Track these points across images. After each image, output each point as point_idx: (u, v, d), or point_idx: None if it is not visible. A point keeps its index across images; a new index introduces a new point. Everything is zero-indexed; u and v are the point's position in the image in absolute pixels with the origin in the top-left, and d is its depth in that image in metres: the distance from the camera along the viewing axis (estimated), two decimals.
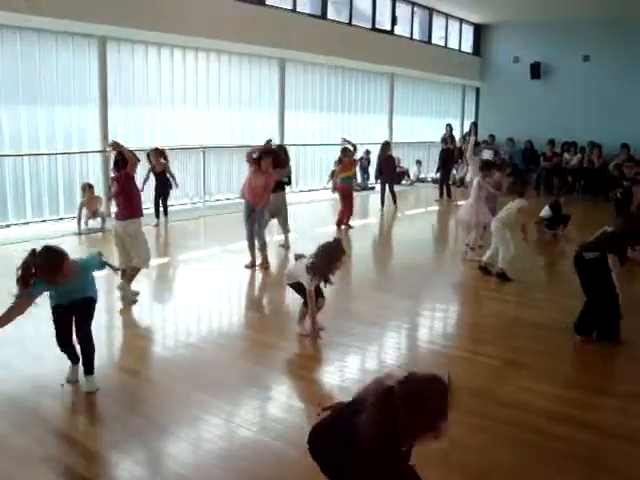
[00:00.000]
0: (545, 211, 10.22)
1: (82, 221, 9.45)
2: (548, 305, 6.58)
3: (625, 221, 5.36)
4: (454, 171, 17.55)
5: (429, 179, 17.87)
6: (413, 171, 17.42)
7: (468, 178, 16.89)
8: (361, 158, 15.91)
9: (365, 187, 15.60)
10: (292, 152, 14.25)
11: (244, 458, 3.48)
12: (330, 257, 4.96)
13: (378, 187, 14.66)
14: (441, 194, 14.60)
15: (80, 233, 9.21)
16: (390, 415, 2.11)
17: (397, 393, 2.14)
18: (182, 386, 4.36)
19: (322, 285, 5.15)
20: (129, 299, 6.01)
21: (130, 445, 3.57)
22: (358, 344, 5.22)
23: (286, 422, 3.97)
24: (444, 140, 15.95)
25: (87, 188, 9.81)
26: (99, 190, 10.48)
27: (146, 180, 9.90)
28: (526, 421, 3.96)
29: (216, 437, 3.71)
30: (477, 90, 19.59)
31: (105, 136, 10.65)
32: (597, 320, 5.28)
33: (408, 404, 2.11)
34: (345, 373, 4.68)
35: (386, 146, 12.87)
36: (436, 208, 13.62)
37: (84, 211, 9.55)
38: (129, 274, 6.05)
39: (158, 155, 9.92)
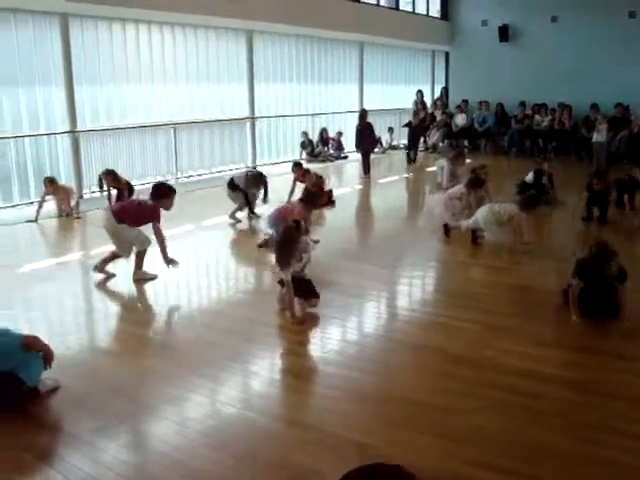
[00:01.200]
0: (529, 177, 9.87)
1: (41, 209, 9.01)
2: (527, 268, 6.64)
3: None
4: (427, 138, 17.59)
5: (401, 146, 17.83)
6: (385, 138, 17.36)
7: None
8: (333, 138, 15.88)
9: (338, 157, 15.53)
10: (263, 124, 14.24)
11: (231, 435, 3.49)
12: (285, 247, 4.93)
13: (354, 156, 14.73)
14: (409, 161, 14.71)
15: (36, 220, 8.95)
16: None
17: None
18: (165, 365, 4.34)
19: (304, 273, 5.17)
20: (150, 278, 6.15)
21: (115, 428, 3.55)
22: (340, 315, 5.23)
23: (271, 397, 3.99)
24: (415, 113, 15.94)
25: (48, 184, 9.11)
26: (69, 175, 10.32)
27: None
28: (510, 383, 4.00)
29: (202, 415, 3.71)
30: (447, 55, 19.51)
31: (73, 116, 10.45)
32: None
33: None
34: (327, 344, 4.70)
35: (364, 113, 12.86)
36: (410, 175, 13.61)
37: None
38: (137, 261, 6.14)
39: (111, 177, 9.46)
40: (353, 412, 3.72)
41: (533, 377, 4.11)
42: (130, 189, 9.52)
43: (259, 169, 11.01)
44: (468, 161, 10.14)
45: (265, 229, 7.16)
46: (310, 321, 5.07)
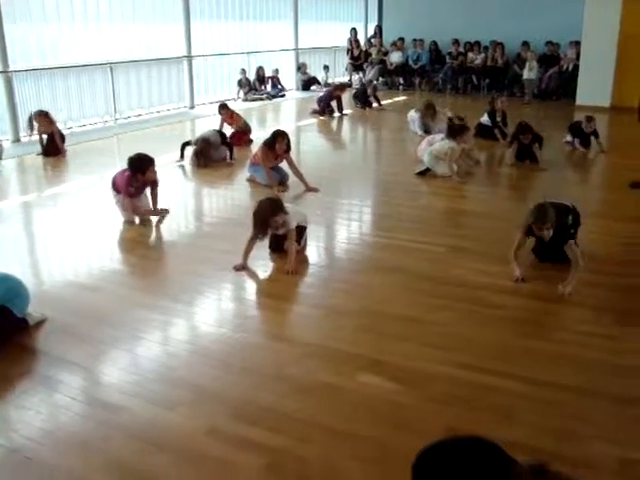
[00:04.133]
0: (485, 119, 9.96)
1: None
2: (488, 197, 7.00)
3: None
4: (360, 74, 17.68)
5: (337, 84, 17.84)
6: (321, 76, 17.35)
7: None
8: (271, 77, 15.72)
9: (276, 95, 15.42)
10: (200, 63, 14.00)
11: (225, 353, 3.64)
12: (260, 221, 4.78)
13: (292, 94, 14.66)
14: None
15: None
16: None
17: None
18: (145, 296, 4.43)
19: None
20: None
21: (111, 353, 3.65)
22: (308, 242, 5.34)
23: (257, 317, 4.22)
24: (349, 50, 15.85)
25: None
26: (4, 118, 9.99)
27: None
28: (480, 297, 4.30)
29: (192, 337, 3.86)
30: None
31: (4, 56, 10.03)
32: None
33: None
34: (302, 269, 4.86)
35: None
36: (350, 112, 13.67)
37: None
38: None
39: (44, 119, 9.01)
40: (339, 326, 3.94)
41: (499, 290, 4.42)
42: (62, 136, 9.27)
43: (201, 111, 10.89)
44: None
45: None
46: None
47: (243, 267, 4.80)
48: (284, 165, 7.27)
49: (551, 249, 4.72)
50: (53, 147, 8.96)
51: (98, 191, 6.91)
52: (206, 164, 8.11)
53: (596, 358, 3.54)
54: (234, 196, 7.18)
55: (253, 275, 4.80)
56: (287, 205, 4.93)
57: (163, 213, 6.15)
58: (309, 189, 6.98)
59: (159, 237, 5.85)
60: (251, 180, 7.38)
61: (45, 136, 9.04)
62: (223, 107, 9.88)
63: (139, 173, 5.89)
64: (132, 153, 6.01)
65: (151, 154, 6.05)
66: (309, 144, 10.49)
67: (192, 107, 13.60)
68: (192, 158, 8.24)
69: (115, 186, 6.05)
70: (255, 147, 8.64)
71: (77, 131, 10.78)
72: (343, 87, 13.54)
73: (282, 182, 7.20)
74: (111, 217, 6.05)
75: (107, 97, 11.79)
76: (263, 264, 4.94)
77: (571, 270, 4.41)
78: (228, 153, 8.43)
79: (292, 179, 7.17)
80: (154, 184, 6.05)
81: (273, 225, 4.74)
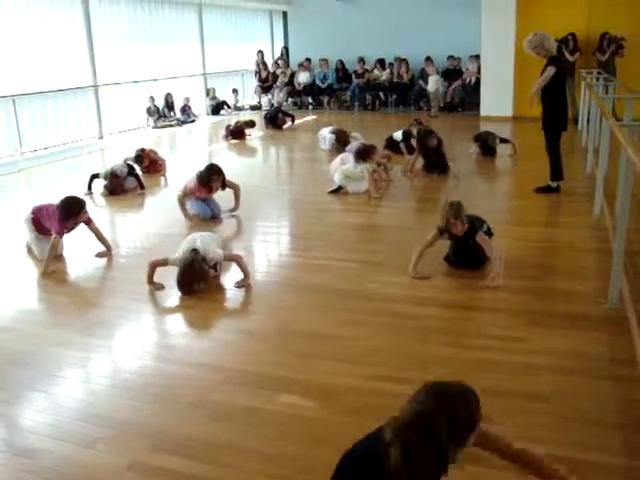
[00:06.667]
0: (398, 135, 10.11)
1: None
2: (399, 211, 7.21)
3: None
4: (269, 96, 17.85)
5: (247, 107, 17.96)
6: (232, 100, 17.40)
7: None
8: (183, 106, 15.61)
9: (185, 121, 15.32)
10: (107, 92, 13.76)
11: (143, 384, 3.60)
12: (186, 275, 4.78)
13: (203, 119, 14.61)
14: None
15: None
16: None
17: None
18: (58, 333, 4.33)
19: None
20: None
21: (26, 396, 3.55)
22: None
23: (175, 346, 4.16)
24: (257, 73, 15.94)
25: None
26: None
27: None
28: (395, 309, 4.42)
29: (110, 371, 3.81)
30: (284, 14, 19.68)
31: None
32: None
33: None
34: (219, 294, 4.87)
35: None
36: (261, 134, 13.74)
37: None
38: None
39: None
40: (257, 349, 3.97)
41: (413, 302, 4.55)
42: None
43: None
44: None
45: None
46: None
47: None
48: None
49: (464, 252, 4.94)
50: None
51: (5, 227, 6.72)
52: (116, 194, 8.04)
53: (508, 360, 3.69)
54: (148, 225, 7.12)
55: (170, 304, 4.77)
56: (204, 235, 5.02)
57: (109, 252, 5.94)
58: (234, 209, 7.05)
59: (73, 271, 5.73)
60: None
61: None
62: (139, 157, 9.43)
63: (72, 217, 5.71)
64: (63, 196, 5.79)
65: (59, 187, 5.94)
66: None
67: (101, 137, 13.38)
68: (103, 191, 8.17)
69: (40, 225, 5.83)
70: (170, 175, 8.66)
71: None
72: (251, 125, 13.41)
73: (215, 216, 6.90)
74: (19, 254, 5.90)
75: (11, 130, 11.46)
76: (177, 292, 4.91)
77: (492, 263, 4.72)
78: (137, 183, 8.36)
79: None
80: (89, 221, 5.86)
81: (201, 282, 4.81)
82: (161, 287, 4.93)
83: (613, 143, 6.02)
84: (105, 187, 8.18)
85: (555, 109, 7.11)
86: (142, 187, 8.32)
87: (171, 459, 2.91)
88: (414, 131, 9.68)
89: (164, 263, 4.95)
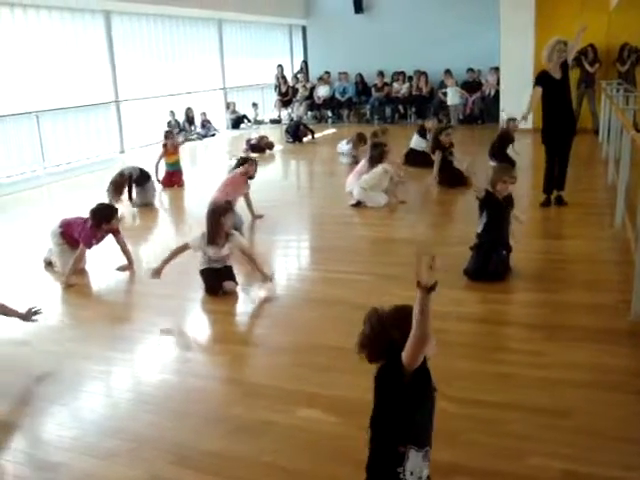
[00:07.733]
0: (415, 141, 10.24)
1: None
2: (416, 224, 7.18)
3: None
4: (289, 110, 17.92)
5: (267, 120, 18.07)
6: (251, 114, 17.51)
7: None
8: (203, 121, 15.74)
9: (206, 135, 15.47)
10: (128, 107, 13.92)
11: (164, 397, 3.62)
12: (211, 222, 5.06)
13: (223, 134, 14.73)
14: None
15: None
16: None
17: None
18: (80, 347, 4.37)
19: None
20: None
21: (48, 410, 3.58)
22: (240, 280, 5.32)
23: (196, 360, 4.18)
24: (277, 87, 16.09)
25: None
26: None
27: None
28: None
29: (131, 385, 3.82)
30: (304, 29, 19.81)
31: None
32: None
33: None
34: (237, 308, 4.89)
35: None
36: (281, 147, 13.80)
37: None
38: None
39: None
40: (277, 363, 3.98)
41: (433, 315, 4.47)
42: None
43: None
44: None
45: None
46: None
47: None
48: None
49: (485, 264, 4.98)
50: None
51: (27, 242, 6.80)
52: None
53: (529, 374, 3.66)
54: (173, 240, 7.17)
55: (191, 318, 4.80)
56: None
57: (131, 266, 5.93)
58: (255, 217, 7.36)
59: (95, 285, 5.79)
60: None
61: None
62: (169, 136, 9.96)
63: (104, 223, 5.76)
64: (95, 204, 5.85)
65: (83, 202, 6.00)
66: None
67: (122, 152, 13.52)
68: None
69: (69, 236, 5.86)
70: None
71: (5, 182, 10.58)
72: (270, 147, 13.16)
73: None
74: (41, 268, 5.97)
75: (34, 146, 11.62)
76: (199, 306, 4.94)
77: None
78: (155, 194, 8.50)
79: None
80: (117, 232, 5.91)
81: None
82: (157, 276, 5.03)
83: (634, 154, 5.98)
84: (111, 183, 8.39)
85: (544, 122, 7.42)
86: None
87: (190, 473, 2.92)
88: (428, 125, 10.08)
89: (185, 247, 5.06)
